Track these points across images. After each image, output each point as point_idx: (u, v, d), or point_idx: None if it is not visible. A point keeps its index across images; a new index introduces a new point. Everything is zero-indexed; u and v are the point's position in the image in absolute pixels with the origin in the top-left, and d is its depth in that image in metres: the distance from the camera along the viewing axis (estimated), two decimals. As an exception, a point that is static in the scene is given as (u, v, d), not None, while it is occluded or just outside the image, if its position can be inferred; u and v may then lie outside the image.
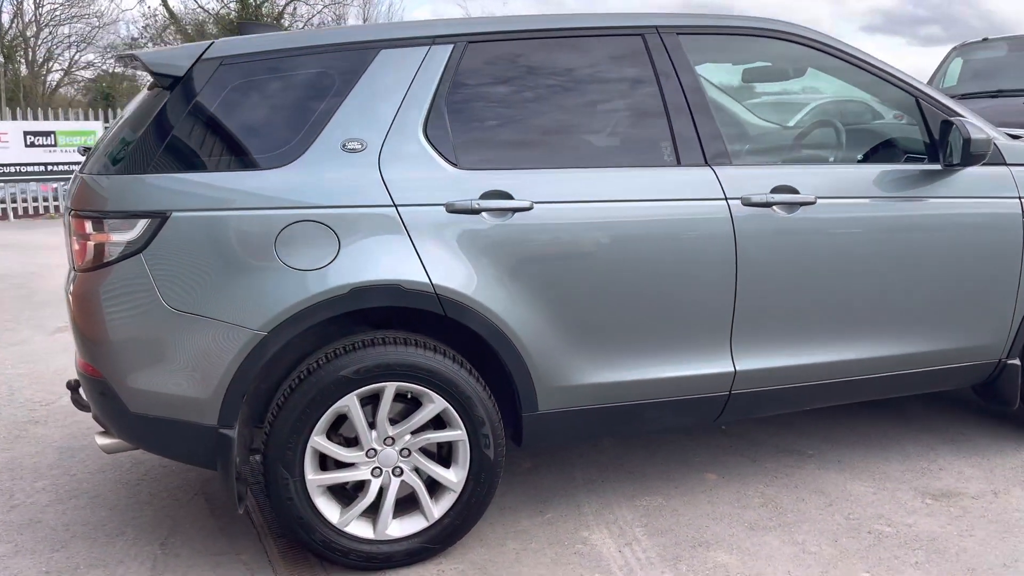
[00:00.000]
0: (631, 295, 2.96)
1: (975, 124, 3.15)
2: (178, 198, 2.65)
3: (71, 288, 2.78)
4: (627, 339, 2.99)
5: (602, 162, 3.02)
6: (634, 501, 3.29)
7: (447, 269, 2.76)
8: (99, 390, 2.76)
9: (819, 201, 3.09)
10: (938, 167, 3.26)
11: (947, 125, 3.18)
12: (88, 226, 2.66)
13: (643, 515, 3.18)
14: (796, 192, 3.07)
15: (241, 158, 2.71)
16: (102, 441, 2.91)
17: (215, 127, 2.72)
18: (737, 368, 3.11)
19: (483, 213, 2.79)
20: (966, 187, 3.28)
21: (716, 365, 3.10)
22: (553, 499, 3.32)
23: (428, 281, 2.74)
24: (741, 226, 3.00)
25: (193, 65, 2.73)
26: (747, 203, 3.02)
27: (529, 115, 2.99)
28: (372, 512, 2.85)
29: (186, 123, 2.69)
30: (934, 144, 3.29)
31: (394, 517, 2.85)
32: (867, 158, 3.48)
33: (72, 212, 2.73)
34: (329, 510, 2.81)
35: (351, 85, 2.80)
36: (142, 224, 2.62)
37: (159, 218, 2.62)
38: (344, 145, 2.76)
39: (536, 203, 2.83)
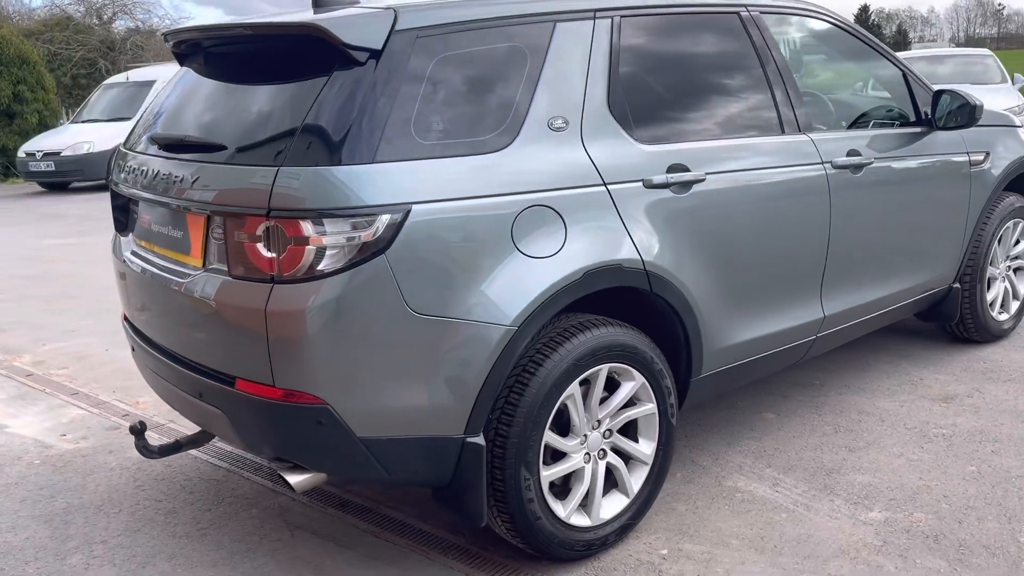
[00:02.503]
0: (768, 255, 3.27)
1: (968, 93, 3.91)
2: (416, 189, 2.40)
3: (266, 304, 2.36)
4: (761, 297, 3.29)
5: (739, 132, 3.26)
6: (734, 447, 3.61)
7: (650, 245, 2.83)
8: (314, 419, 2.41)
9: (875, 162, 3.64)
10: (922, 129, 3.98)
11: (942, 94, 3.90)
12: (307, 228, 2.30)
13: (756, 457, 3.52)
14: (860, 155, 3.58)
15: (461, 141, 2.52)
16: (297, 478, 2.53)
17: (429, 108, 2.48)
18: (825, 313, 3.57)
19: (670, 187, 2.90)
20: (942, 146, 4.05)
21: (812, 313, 3.52)
22: (667, 460, 3.52)
23: (640, 259, 2.79)
24: (832, 185, 3.44)
25: (388, 38, 2.46)
26: (835, 166, 3.46)
27: (678, 89, 3.12)
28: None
29: (399, 104, 2.43)
30: (917, 111, 4.01)
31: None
32: (877, 124, 4.10)
33: (272, 212, 2.33)
34: (556, 506, 2.76)
35: (542, 59, 2.71)
36: (383, 221, 2.34)
37: (401, 213, 2.36)
38: (551, 124, 2.68)
39: (707, 174, 3.00)
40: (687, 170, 2.95)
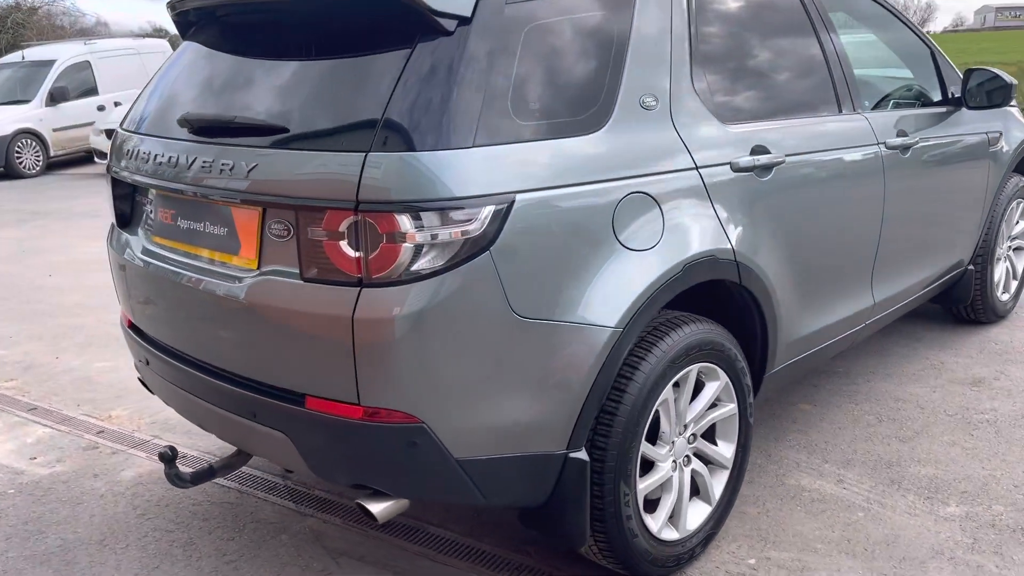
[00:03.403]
0: (833, 241, 3.13)
1: (1002, 72, 3.85)
2: (519, 175, 2.13)
3: (352, 311, 2.05)
4: (827, 285, 3.15)
5: (805, 111, 3.09)
6: (783, 442, 3.48)
7: (740, 234, 2.64)
8: (407, 440, 2.13)
9: (919, 142, 3.54)
10: (949, 109, 3.91)
11: (973, 72, 3.83)
12: (403, 222, 2.01)
13: (809, 452, 3.39)
14: (907, 135, 3.47)
15: (557, 122, 2.26)
16: (379, 507, 2.23)
17: (524, 83, 2.21)
18: (875, 299, 3.46)
19: (754, 171, 2.71)
20: (967, 126, 3.99)
21: (865, 300, 3.41)
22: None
23: (731, 248, 2.60)
24: (886, 167, 3.32)
25: (477, 4, 2.17)
26: (888, 147, 3.34)
27: (748, 64, 2.93)
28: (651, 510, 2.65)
29: (494, 79, 2.15)
30: (944, 90, 3.94)
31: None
32: (901, 103, 4.00)
33: (361, 205, 2.01)
34: (648, 520, 2.55)
35: (628, 29, 2.47)
36: (488, 213, 2.06)
37: (506, 203, 2.09)
38: (642, 101, 2.44)
39: (786, 156, 2.82)
40: (767, 152, 2.76)
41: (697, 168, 2.52)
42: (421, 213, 2.01)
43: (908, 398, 3.87)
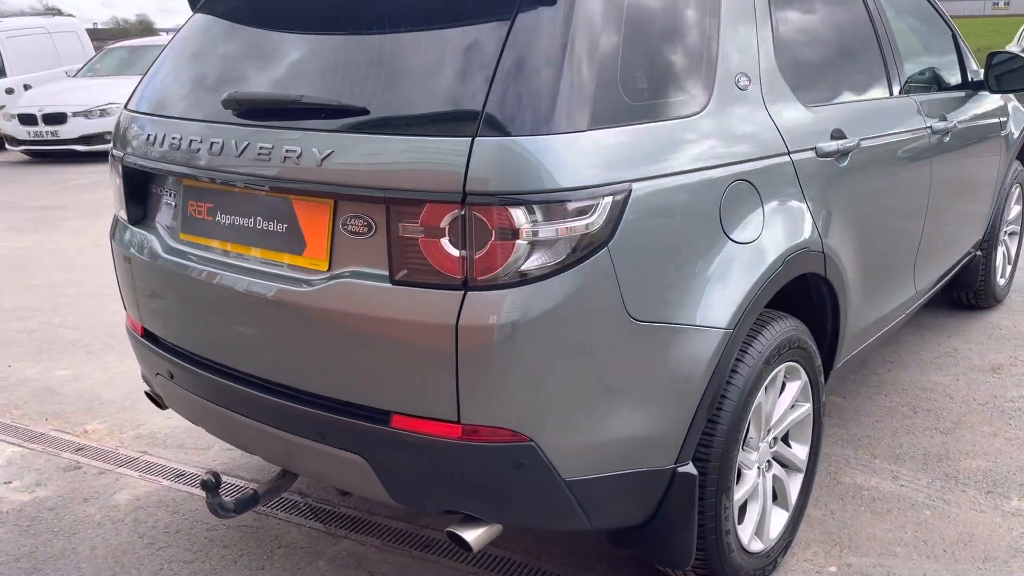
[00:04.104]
0: (891, 229, 3.03)
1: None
2: (634, 162, 1.92)
3: (456, 318, 1.81)
4: (884, 275, 3.05)
5: (866, 92, 2.96)
6: (826, 437, 3.36)
7: (825, 224, 2.50)
8: (513, 461, 1.90)
9: (957, 126, 3.47)
10: (968, 92, 3.86)
11: (996, 55, 3.77)
12: (518, 217, 1.77)
13: (855, 448, 3.29)
14: (946, 119, 3.39)
15: (663, 102, 2.06)
16: (473, 534, 2.00)
17: (631, 59, 2.00)
18: (916, 288, 3.38)
19: (835, 156, 2.56)
20: (985, 110, 3.95)
21: (908, 289, 3.32)
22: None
23: (820, 240, 2.45)
24: (933, 150, 3.23)
25: None
26: (934, 130, 3.25)
27: (818, 43, 2.77)
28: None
29: (603, 53, 1.94)
30: (965, 73, 3.88)
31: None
32: (933, 87, 3.93)
33: (469, 197, 1.77)
34: (740, 532, 2.38)
35: (719, 1, 2.28)
36: (606, 205, 1.85)
37: (623, 194, 1.88)
38: (737, 81, 2.26)
39: (860, 140, 2.68)
40: (844, 136, 2.62)
41: (789, 153, 2.36)
42: (536, 206, 1.78)
43: (934, 387, 3.82)
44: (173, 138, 2.25)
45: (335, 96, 1.99)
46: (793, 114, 2.44)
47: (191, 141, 2.19)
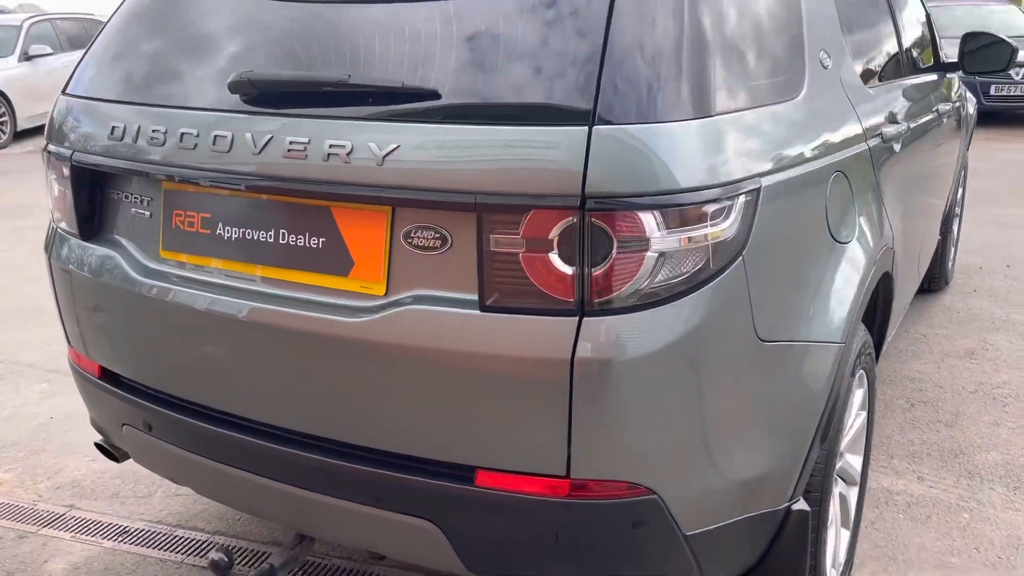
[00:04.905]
0: (916, 217, 2.87)
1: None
2: (760, 154, 1.63)
3: (572, 350, 1.46)
4: (909, 264, 2.89)
5: (895, 75, 2.77)
6: (834, 439, 3.21)
7: (892, 217, 2.29)
8: (631, 519, 1.58)
9: (943, 107, 3.36)
10: (940, 74, 3.79)
11: (971, 36, 3.70)
12: (648, 224, 1.44)
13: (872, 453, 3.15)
14: (945, 102, 3.28)
15: (767, 83, 1.77)
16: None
17: (737, 36, 1.69)
18: (920, 275, 3.27)
19: (893, 141, 2.35)
20: (954, 90, 3.89)
21: (917, 279, 3.20)
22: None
23: (892, 235, 2.23)
24: (937, 133, 3.11)
25: None
26: (939, 113, 3.12)
27: (866, 22, 2.55)
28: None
29: (714, 29, 1.62)
30: (937, 54, 3.81)
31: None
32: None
33: (589, 201, 1.42)
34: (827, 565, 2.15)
35: None
36: (740, 205, 1.54)
37: (755, 191, 1.58)
38: (822, 61, 2.00)
39: (908, 124, 2.50)
40: (897, 121, 2.43)
41: (867, 139, 2.13)
42: (668, 210, 1.46)
43: (920, 377, 3.74)
44: (154, 131, 1.77)
45: (388, 76, 1.59)
46: (863, 97, 2.21)
47: (183, 134, 1.73)
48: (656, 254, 1.46)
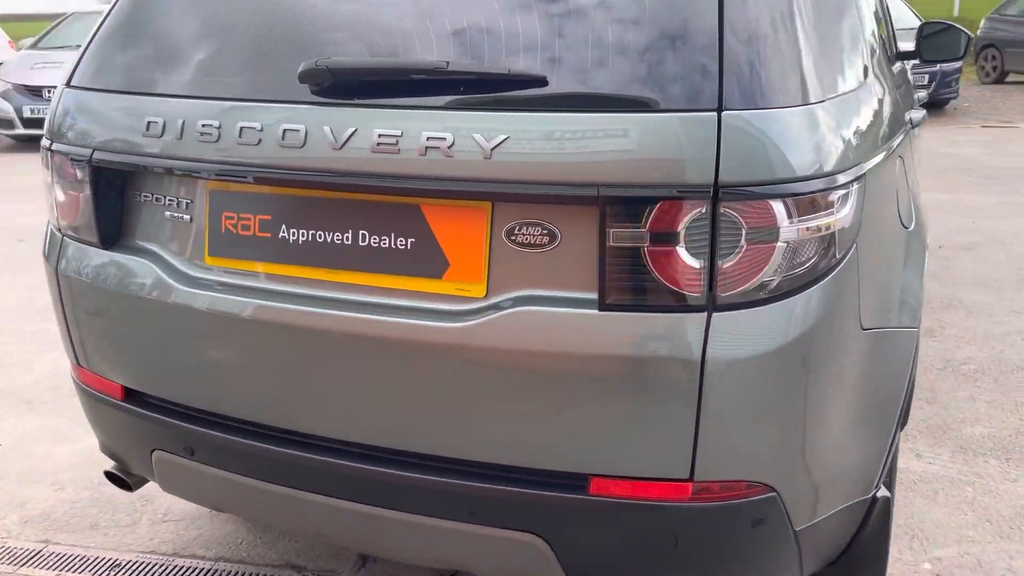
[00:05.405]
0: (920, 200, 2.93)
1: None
2: (862, 139, 1.61)
3: (703, 348, 1.40)
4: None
5: (893, 61, 2.80)
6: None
7: (915, 200, 2.32)
8: (751, 519, 1.54)
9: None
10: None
11: (928, 25, 3.81)
12: (780, 213, 1.40)
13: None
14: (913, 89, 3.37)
15: (847, 70, 1.73)
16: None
17: (827, 21, 1.67)
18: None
19: (915, 127, 2.39)
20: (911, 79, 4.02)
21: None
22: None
23: (920, 221, 2.26)
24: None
25: None
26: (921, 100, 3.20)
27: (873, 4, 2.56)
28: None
29: (816, 7, 1.59)
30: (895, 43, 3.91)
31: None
32: None
33: (722, 191, 1.36)
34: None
35: None
36: (854, 192, 1.52)
37: (863, 177, 1.55)
38: (873, 48, 1.99)
39: (921, 108, 2.53)
40: (913, 106, 2.46)
41: (905, 124, 2.15)
42: (798, 198, 1.41)
43: (889, 356, 3.86)
44: (205, 125, 1.60)
45: (491, 61, 1.48)
46: (892, 83, 2.23)
47: (242, 129, 1.57)
48: (785, 244, 1.41)
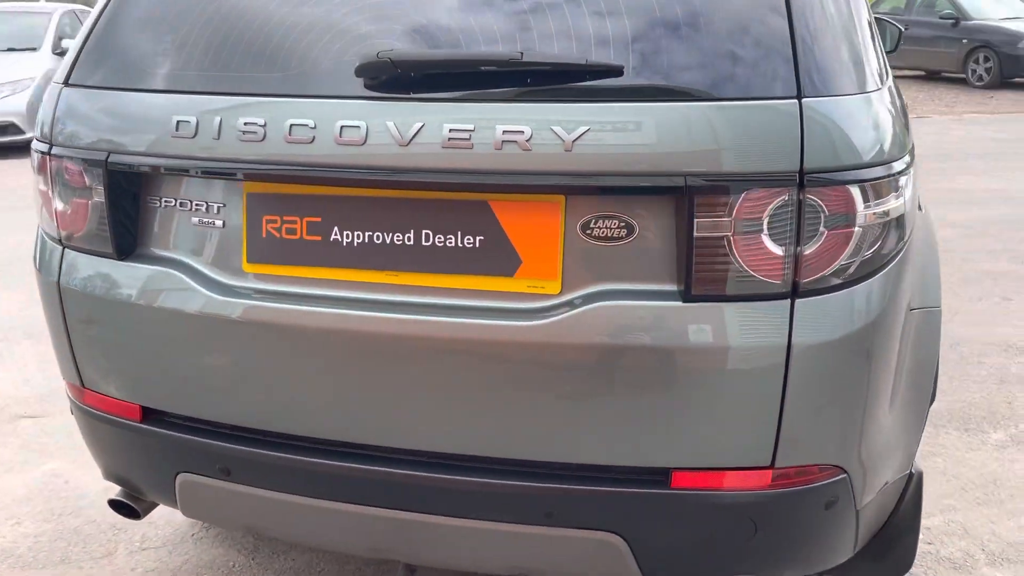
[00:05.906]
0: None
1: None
2: (906, 125, 1.65)
3: (788, 336, 1.42)
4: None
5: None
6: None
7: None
8: (823, 501, 1.56)
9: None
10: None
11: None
12: (857, 198, 1.42)
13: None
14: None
15: (877, 66, 1.78)
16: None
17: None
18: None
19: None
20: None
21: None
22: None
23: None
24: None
25: None
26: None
27: None
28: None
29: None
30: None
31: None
32: None
33: (809, 178, 1.37)
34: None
35: None
36: (912, 176, 1.56)
37: (913, 164, 1.60)
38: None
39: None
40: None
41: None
42: (873, 183, 1.44)
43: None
44: (247, 124, 1.50)
45: (565, 52, 1.44)
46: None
47: (292, 127, 1.48)
48: (860, 229, 1.44)
